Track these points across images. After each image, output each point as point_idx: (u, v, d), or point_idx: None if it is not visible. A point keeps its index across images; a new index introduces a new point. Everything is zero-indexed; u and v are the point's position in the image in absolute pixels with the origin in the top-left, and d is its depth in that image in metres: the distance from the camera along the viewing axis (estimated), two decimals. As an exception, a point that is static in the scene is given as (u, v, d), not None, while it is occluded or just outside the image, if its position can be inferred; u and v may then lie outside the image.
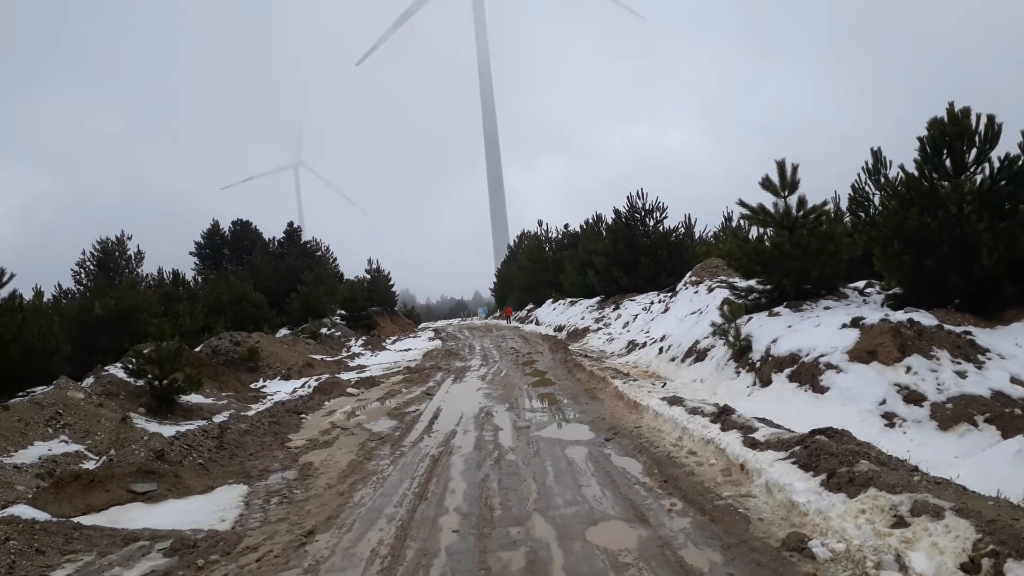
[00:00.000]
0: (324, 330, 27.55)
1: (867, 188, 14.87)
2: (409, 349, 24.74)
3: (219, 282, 29.81)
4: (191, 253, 38.70)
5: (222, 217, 41.94)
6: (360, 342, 26.54)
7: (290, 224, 42.30)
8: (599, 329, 22.21)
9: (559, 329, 26.85)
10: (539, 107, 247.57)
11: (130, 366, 12.96)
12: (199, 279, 34.99)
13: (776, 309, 10.71)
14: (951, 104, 9.10)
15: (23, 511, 5.31)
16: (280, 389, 15.62)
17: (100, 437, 9.74)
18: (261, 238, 40.33)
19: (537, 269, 40.83)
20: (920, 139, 9.33)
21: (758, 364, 9.37)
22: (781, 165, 11.13)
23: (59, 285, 25.53)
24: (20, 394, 10.81)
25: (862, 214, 15.08)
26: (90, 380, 12.95)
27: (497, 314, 52.86)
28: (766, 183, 11.25)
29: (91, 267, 28.52)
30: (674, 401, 8.52)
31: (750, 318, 10.76)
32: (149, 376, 12.38)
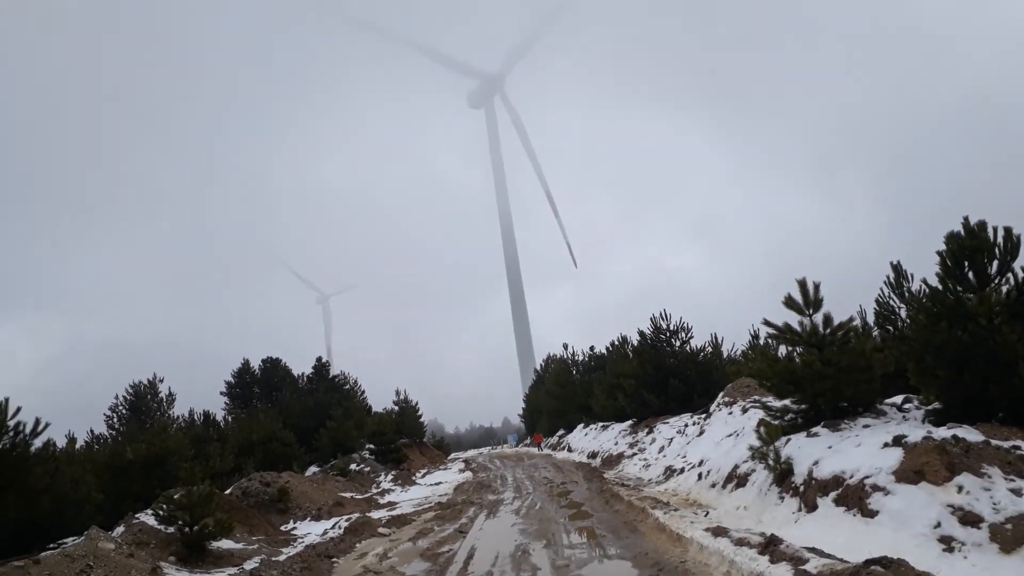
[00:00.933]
0: (353, 466, 27.21)
1: (892, 302, 14.88)
2: (440, 483, 24.30)
3: (249, 421, 29.86)
4: (221, 393, 38.99)
5: (252, 355, 42.44)
6: (390, 477, 26.15)
7: (318, 359, 42.75)
8: (634, 455, 21.75)
9: (593, 456, 26.32)
10: (546, 235, 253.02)
11: (161, 512, 12.84)
12: (229, 419, 35.10)
13: (814, 429, 10.49)
14: (966, 219, 9.25)
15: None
16: (311, 531, 15.31)
17: (131, 590, 9.55)
18: (290, 374, 40.65)
19: (565, 393, 40.50)
20: (939, 253, 9.43)
21: (801, 488, 9.10)
22: (803, 284, 11.22)
23: (91, 431, 25.77)
24: (51, 546, 10.72)
25: (890, 328, 15.02)
26: (120, 529, 12.81)
27: (527, 441, 52.07)
28: (789, 302, 11.32)
29: (123, 411, 28.80)
30: (719, 532, 8.24)
31: (788, 439, 10.53)
32: (179, 522, 12.23)
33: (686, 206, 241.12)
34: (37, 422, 12.39)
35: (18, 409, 11.55)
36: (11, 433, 11.46)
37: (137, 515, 13.49)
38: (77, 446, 18.03)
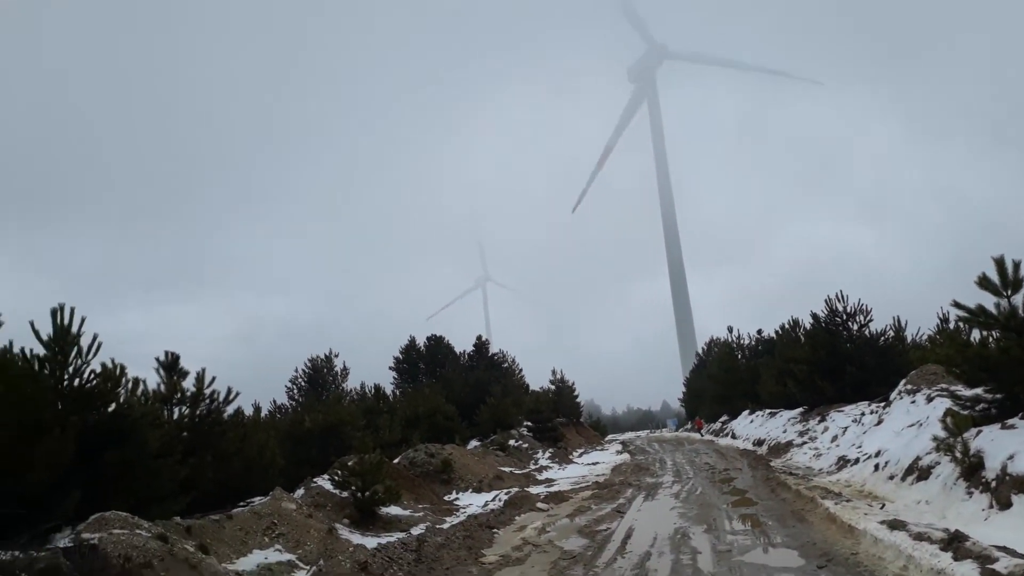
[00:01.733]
0: (512, 442, 27.81)
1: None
2: (597, 463, 24.35)
3: (415, 395, 31.23)
4: (390, 367, 41.06)
5: (418, 333, 44.46)
6: (547, 454, 26.51)
7: (479, 338, 43.92)
8: (804, 443, 20.72)
9: (758, 443, 25.35)
10: (707, 214, 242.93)
11: (336, 478, 13.73)
12: (397, 392, 36.93)
13: (1010, 421, 9.48)
14: None
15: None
16: (472, 502, 15.82)
17: (309, 547, 10.28)
18: (453, 352, 42.10)
19: (730, 379, 39.18)
20: None
21: (993, 484, 8.26)
22: (1000, 262, 10.11)
23: (274, 401, 27.92)
24: (241, 504, 11.74)
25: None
26: (301, 491, 13.83)
27: (688, 426, 51.02)
28: (984, 282, 10.24)
29: (303, 383, 31.03)
30: (895, 525, 7.65)
31: (979, 431, 9.59)
32: (352, 488, 13.03)
33: (853, 183, 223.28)
34: (229, 391, 13.56)
35: (213, 378, 12.70)
36: (207, 400, 12.63)
37: (315, 479, 14.51)
38: (261, 415, 19.61)
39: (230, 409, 13.63)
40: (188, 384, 12.18)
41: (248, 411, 16.76)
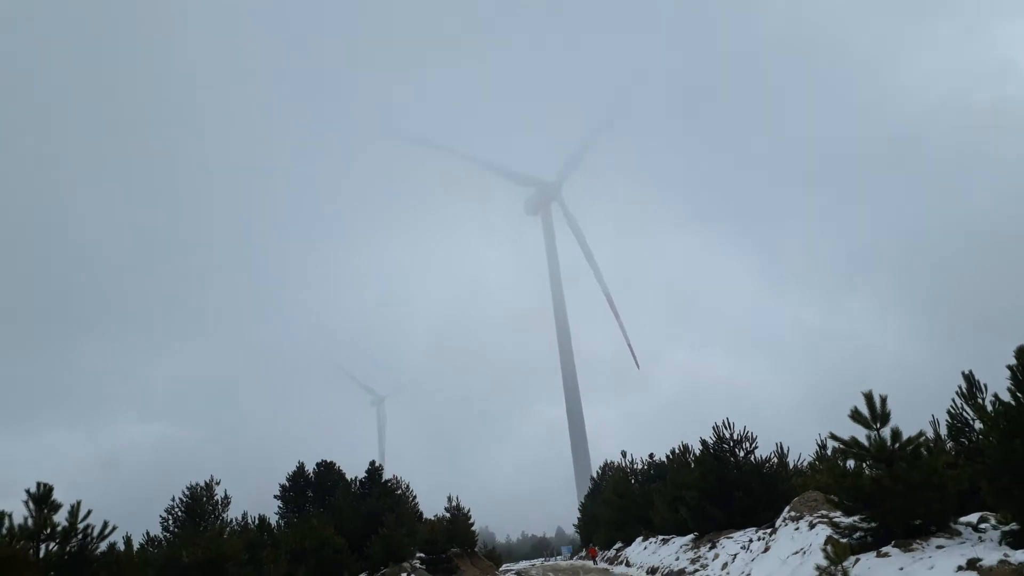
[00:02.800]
0: (403, 575, 26.72)
1: (965, 413, 14.40)
2: (493, 596, 23.65)
3: (302, 526, 29.75)
4: (275, 496, 39.03)
5: (307, 458, 42.66)
6: (442, 588, 25.55)
7: (371, 463, 42.58)
8: (696, 571, 20.93)
9: (652, 571, 25.36)
10: (601, 342, 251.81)
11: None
12: (282, 523, 35.03)
13: (884, 549, 10.09)
14: (1035, 332, 9.11)
15: None
16: (363, 643, 15.02)
17: None
18: (344, 478, 40.54)
19: (624, 504, 39.33)
20: (1010, 367, 9.26)
21: (873, 613, 8.70)
22: (869, 397, 11.05)
23: (147, 532, 25.93)
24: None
25: (964, 440, 14.48)
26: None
27: (583, 553, 50.37)
28: (856, 415, 11.12)
29: (179, 513, 29.05)
30: (785, 657, 7.90)
31: (857, 559, 10.14)
32: (235, 630, 12.23)
33: (728, 319, 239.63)
34: (105, 525, 12.73)
35: (88, 512, 11.92)
36: (80, 536, 11.79)
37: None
38: (134, 549, 18.23)
39: (104, 545, 12.76)
40: (60, 518, 11.40)
41: (120, 545, 15.66)
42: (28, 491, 11.31)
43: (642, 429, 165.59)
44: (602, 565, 36.05)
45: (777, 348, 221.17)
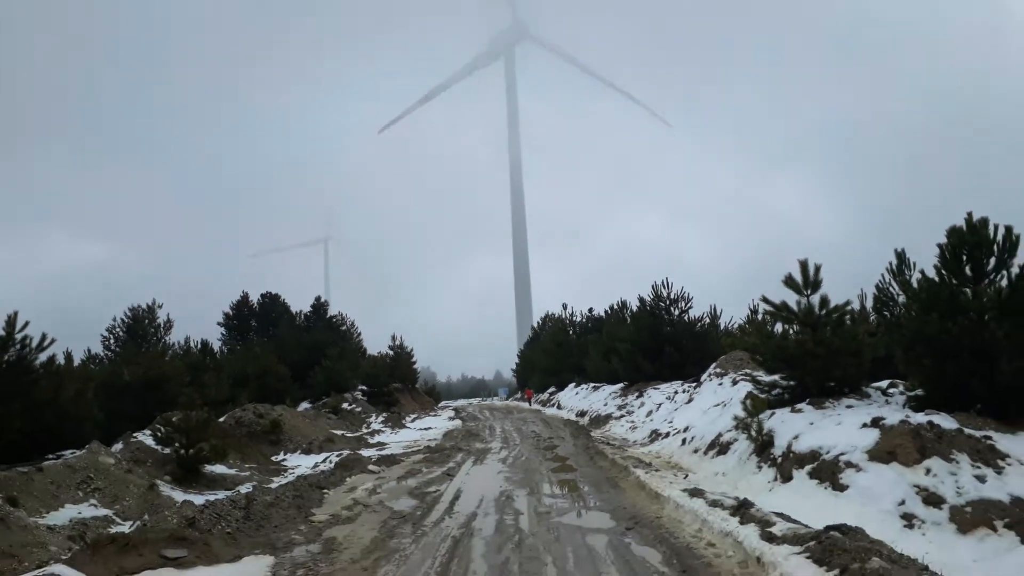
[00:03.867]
0: (345, 405, 27.70)
1: (891, 288, 15.05)
2: (429, 428, 24.79)
3: (245, 354, 30.27)
4: (219, 324, 39.28)
5: (251, 289, 42.52)
6: (380, 419, 26.64)
7: (317, 298, 42.95)
8: (622, 416, 22.17)
9: (581, 414, 26.78)
10: (546, 194, 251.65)
11: (158, 434, 13.24)
12: (225, 350, 35.51)
13: (799, 405, 10.78)
14: (969, 214, 9.41)
15: (62, 570, 5.51)
16: (301, 463, 15.75)
17: (128, 503, 9.95)
18: (288, 311, 40.91)
19: (561, 352, 40.91)
20: (940, 246, 9.60)
21: (779, 460, 9.42)
22: (804, 264, 11.42)
23: (88, 350, 26.03)
24: (51, 456, 11.07)
25: (887, 314, 15.22)
26: (119, 446, 13.22)
27: (518, 396, 52.70)
28: (789, 281, 11.53)
29: (121, 334, 29.07)
30: (695, 493, 8.58)
31: (773, 413, 10.83)
32: (176, 444, 12.62)
33: (672, 189, 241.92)
34: (44, 337, 12.63)
35: (26, 323, 11.80)
36: (18, 346, 11.73)
37: (135, 435, 13.89)
38: (74, 365, 18.31)
39: (43, 357, 12.75)
40: (-4, 328, 11.28)
41: (61, 360, 15.70)
42: (-38, 298, 11.12)
43: (582, 287, 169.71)
44: (536, 407, 37.87)
45: (712, 217, 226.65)
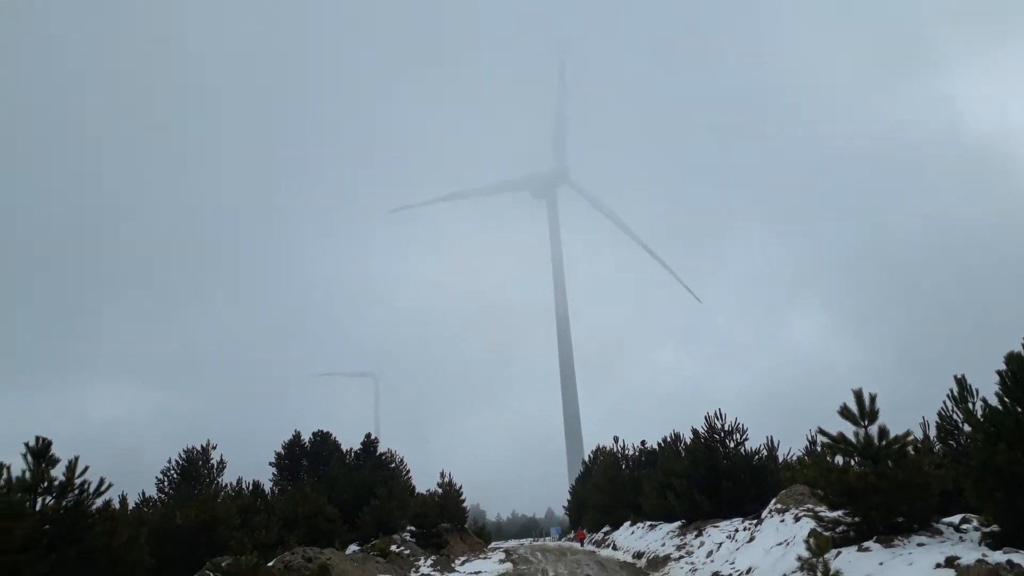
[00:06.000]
0: (394, 547, 27.00)
1: (955, 416, 14.56)
2: (479, 572, 23.97)
3: (296, 495, 30.10)
4: (271, 463, 39.40)
5: (304, 429, 42.81)
6: (429, 562, 25.87)
7: (367, 435, 42.92)
8: (681, 557, 21.19)
9: (638, 556, 25.65)
10: (597, 329, 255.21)
11: (208, 579, 13.11)
12: (276, 490, 35.40)
13: (865, 544, 10.26)
14: (1026, 339, 9.23)
15: None
16: (349, 610, 15.29)
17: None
18: (339, 449, 40.88)
19: (613, 488, 39.66)
20: (999, 372, 9.37)
21: (850, 604, 8.88)
22: (859, 394, 11.19)
23: (143, 493, 26.31)
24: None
25: (953, 443, 14.65)
26: (169, 593, 13.09)
27: (571, 535, 50.84)
28: (844, 412, 11.27)
29: (175, 476, 29.39)
30: (761, 643, 8.09)
31: (839, 552, 10.31)
32: (225, 591, 12.46)
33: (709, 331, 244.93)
34: (101, 481, 12.91)
35: (85, 468, 12.09)
36: (76, 491, 11.97)
37: (185, 581, 13.77)
38: (128, 509, 18.50)
39: (99, 501, 12.96)
40: (57, 472, 11.58)
41: (116, 504, 15.90)
42: (27, 444, 11.48)
43: (641, 421, 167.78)
44: (589, 547, 36.42)
45: (741, 353, 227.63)
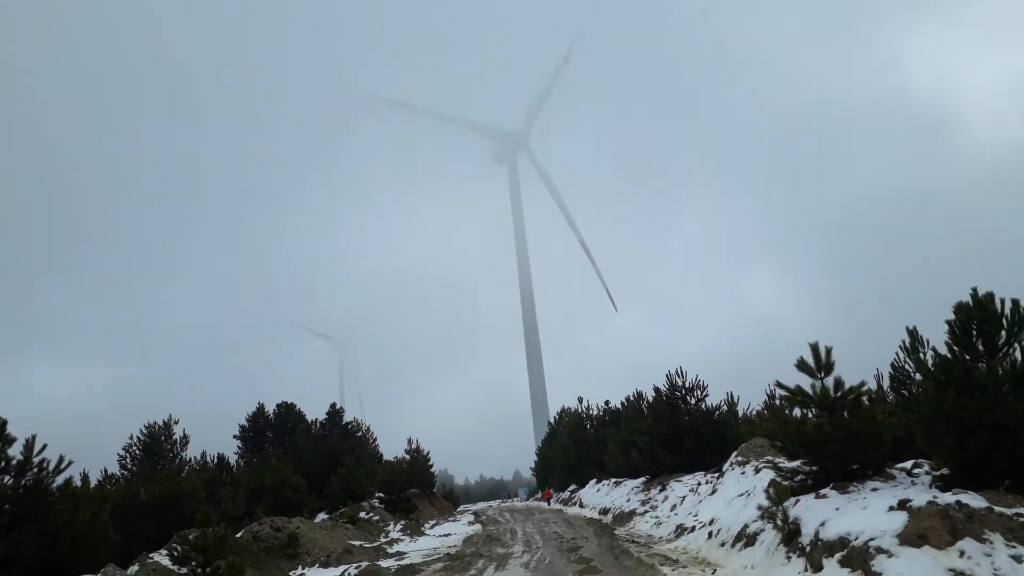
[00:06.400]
0: (363, 514, 27.15)
1: (907, 367, 14.96)
2: (449, 534, 24.22)
3: (261, 466, 29.97)
4: (235, 436, 39.10)
5: (268, 400, 42.51)
6: (399, 527, 26.06)
7: (332, 405, 42.82)
8: (646, 512, 21.65)
9: (604, 512, 26.16)
10: (565, 291, 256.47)
11: (175, 553, 13.01)
12: (241, 463, 35.20)
13: (823, 491, 10.57)
14: (974, 289, 9.49)
15: None
16: (320, 577, 15.38)
17: (144, 628, 9.72)
18: (304, 420, 40.73)
19: (579, 448, 40.25)
20: (949, 322, 9.64)
21: (808, 548, 9.18)
22: (815, 347, 11.42)
23: (105, 470, 25.91)
24: (67, 582, 10.92)
25: (905, 392, 15.08)
26: (135, 568, 12.99)
27: (539, 495, 51.58)
28: (801, 364, 11.50)
29: (137, 451, 28.96)
30: (724, 589, 8.34)
31: (798, 500, 10.61)
32: (193, 563, 12.39)
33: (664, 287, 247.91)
34: (60, 459, 12.69)
35: (44, 446, 11.87)
36: (35, 470, 11.76)
37: (151, 555, 13.67)
38: (90, 485, 18.24)
39: (60, 479, 12.75)
40: (15, 451, 11.35)
41: (77, 481, 15.66)
42: (-19, 424, 11.24)
43: (605, 381, 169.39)
44: (556, 506, 37.01)
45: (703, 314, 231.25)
